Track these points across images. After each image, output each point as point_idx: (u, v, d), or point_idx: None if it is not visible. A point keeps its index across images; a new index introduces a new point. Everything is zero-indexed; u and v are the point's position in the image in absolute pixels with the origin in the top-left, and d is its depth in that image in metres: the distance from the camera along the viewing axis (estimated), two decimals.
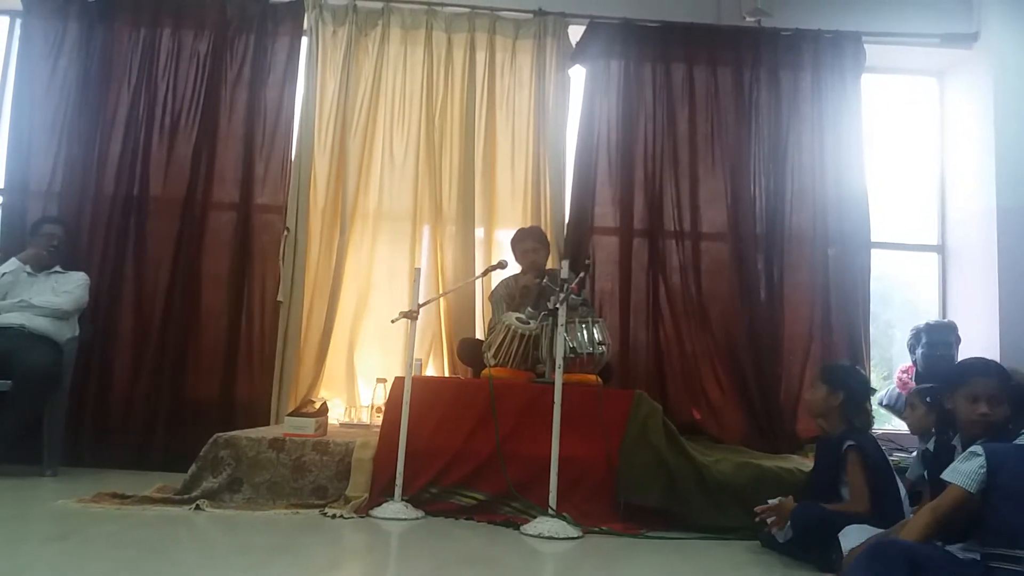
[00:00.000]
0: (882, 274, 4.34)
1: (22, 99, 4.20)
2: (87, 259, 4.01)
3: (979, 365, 2.21)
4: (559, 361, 2.96)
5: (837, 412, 2.65)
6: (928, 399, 2.72)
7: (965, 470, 1.90)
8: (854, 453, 2.54)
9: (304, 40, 4.36)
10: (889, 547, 1.85)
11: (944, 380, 2.35)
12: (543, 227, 4.13)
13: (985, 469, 1.87)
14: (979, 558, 1.85)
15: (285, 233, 4.13)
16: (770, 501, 2.70)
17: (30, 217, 4.03)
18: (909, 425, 2.95)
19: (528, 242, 3.85)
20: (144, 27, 4.28)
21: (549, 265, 3.89)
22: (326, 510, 2.91)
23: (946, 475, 1.94)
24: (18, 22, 4.38)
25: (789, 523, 2.52)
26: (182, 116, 4.22)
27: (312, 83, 4.28)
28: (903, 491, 2.56)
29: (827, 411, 2.69)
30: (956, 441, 2.23)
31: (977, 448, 1.93)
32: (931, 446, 2.61)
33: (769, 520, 2.62)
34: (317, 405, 3.44)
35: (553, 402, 2.91)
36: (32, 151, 4.15)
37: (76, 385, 3.77)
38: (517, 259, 3.90)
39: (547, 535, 2.71)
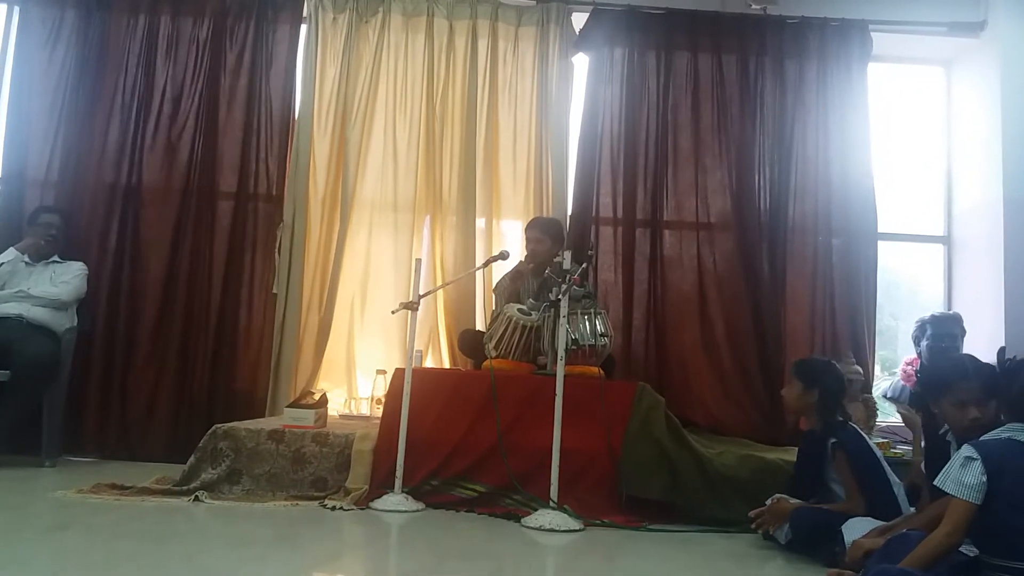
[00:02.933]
0: (887, 265, 4.30)
1: (20, 87, 4.17)
2: (85, 249, 3.98)
3: (959, 369, 2.12)
4: (561, 353, 2.94)
5: (813, 409, 2.65)
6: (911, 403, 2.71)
7: (968, 482, 1.77)
8: (839, 452, 2.53)
9: (304, 27, 4.31)
10: None
11: (926, 387, 2.31)
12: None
13: (986, 476, 1.76)
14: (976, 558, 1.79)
15: (281, 225, 4.11)
16: (768, 501, 2.70)
17: (28, 206, 4.00)
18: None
19: (532, 231, 3.82)
20: (142, 14, 4.23)
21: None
22: (326, 502, 2.90)
23: (948, 488, 1.81)
24: (16, 9, 4.33)
25: (788, 525, 2.51)
26: (181, 104, 4.18)
27: (312, 71, 4.23)
28: (894, 480, 2.54)
29: (803, 408, 2.69)
30: (951, 437, 2.19)
31: (972, 452, 1.80)
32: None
33: (764, 524, 2.60)
34: (316, 396, 3.42)
35: (555, 394, 2.89)
36: (30, 140, 4.11)
37: (75, 375, 3.75)
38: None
39: (548, 528, 2.70)
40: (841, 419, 2.62)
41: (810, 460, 2.65)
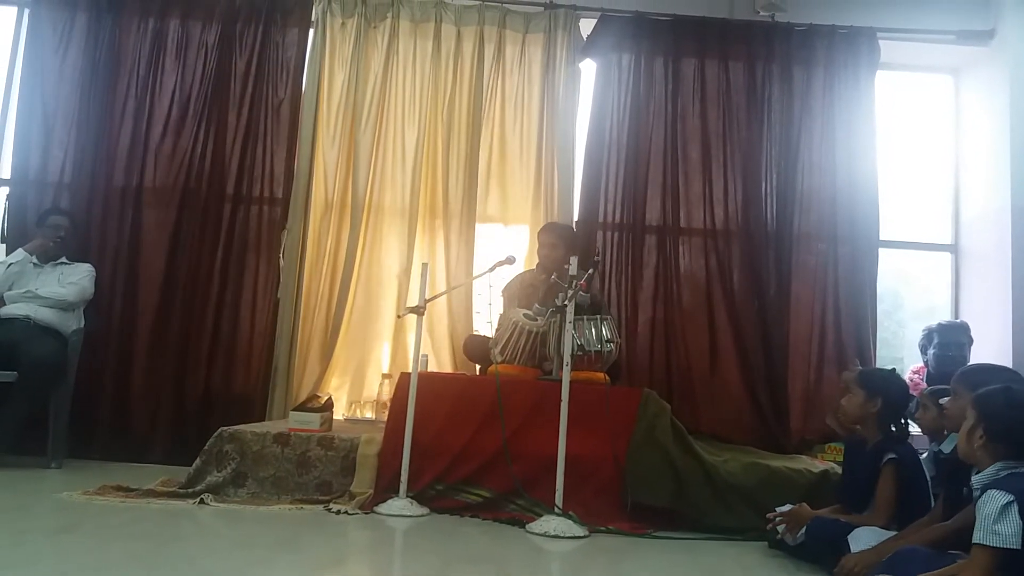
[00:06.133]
0: (894, 274, 4.28)
1: (30, 90, 4.18)
2: (93, 250, 4.00)
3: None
4: (567, 358, 2.94)
5: (873, 419, 2.58)
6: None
7: (1008, 532, 1.71)
8: (891, 467, 2.45)
9: (312, 32, 4.32)
10: None
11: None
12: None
13: (1022, 518, 1.70)
14: None
15: (284, 230, 4.11)
16: (779, 509, 2.68)
17: (37, 208, 4.01)
18: (921, 426, 2.91)
19: (543, 236, 3.79)
20: (152, 18, 4.26)
21: None
22: (331, 506, 2.90)
23: (988, 541, 1.73)
24: (26, 13, 4.35)
25: (804, 530, 2.49)
26: (190, 108, 4.19)
27: (320, 76, 4.24)
28: (933, 503, 2.47)
29: (863, 418, 2.61)
30: (976, 484, 2.15)
31: (1006, 497, 1.73)
32: (944, 447, 2.58)
33: (781, 527, 2.59)
34: (322, 400, 3.42)
35: (560, 400, 2.89)
36: (39, 142, 4.13)
37: (81, 377, 3.76)
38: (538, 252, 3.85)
39: (553, 534, 2.69)
40: (900, 433, 2.56)
41: (863, 474, 2.55)
